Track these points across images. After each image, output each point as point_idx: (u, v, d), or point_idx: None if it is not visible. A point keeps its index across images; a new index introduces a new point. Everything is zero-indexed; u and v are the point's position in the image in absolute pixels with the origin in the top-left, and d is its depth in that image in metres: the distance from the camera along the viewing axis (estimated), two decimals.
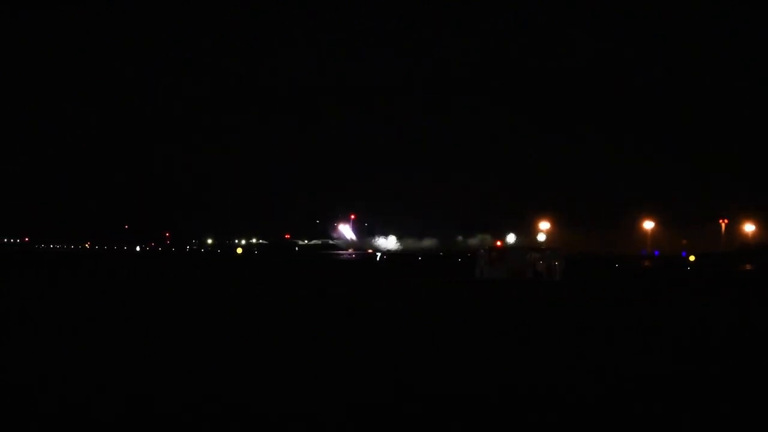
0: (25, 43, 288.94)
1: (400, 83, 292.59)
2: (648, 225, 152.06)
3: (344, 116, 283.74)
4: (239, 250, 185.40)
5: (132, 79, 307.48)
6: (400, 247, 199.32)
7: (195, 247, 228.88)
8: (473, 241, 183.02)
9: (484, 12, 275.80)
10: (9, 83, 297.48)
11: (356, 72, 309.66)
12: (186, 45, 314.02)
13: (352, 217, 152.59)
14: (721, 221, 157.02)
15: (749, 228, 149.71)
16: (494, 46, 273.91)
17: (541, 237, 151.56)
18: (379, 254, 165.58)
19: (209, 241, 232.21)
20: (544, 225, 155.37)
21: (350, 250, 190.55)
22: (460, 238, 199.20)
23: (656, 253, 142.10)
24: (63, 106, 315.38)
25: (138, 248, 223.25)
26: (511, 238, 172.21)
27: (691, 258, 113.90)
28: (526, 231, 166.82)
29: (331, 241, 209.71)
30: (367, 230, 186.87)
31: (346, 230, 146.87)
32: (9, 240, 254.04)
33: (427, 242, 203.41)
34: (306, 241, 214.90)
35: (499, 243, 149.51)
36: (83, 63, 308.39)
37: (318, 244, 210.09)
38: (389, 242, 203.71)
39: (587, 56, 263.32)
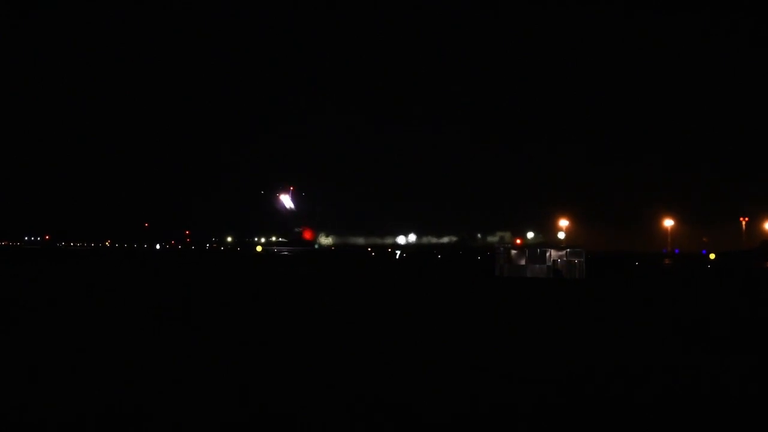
0: (39, 42, 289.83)
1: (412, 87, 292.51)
2: (668, 223, 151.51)
3: (361, 115, 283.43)
4: (259, 248, 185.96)
5: (149, 78, 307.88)
6: (420, 244, 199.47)
7: (215, 245, 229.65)
8: (492, 239, 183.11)
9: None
10: (27, 85, 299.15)
11: (365, 69, 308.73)
12: (193, 47, 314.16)
13: (291, 189, 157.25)
14: (741, 219, 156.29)
15: None
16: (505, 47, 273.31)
17: (561, 235, 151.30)
18: (398, 252, 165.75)
19: (229, 239, 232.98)
20: (564, 223, 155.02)
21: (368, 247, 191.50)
22: (479, 235, 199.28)
23: (676, 251, 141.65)
24: (82, 106, 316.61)
25: (158, 246, 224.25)
26: (530, 235, 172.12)
27: (711, 256, 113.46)
28: (546, 229, 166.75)
29: (350, 239, 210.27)
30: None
31: (286, 200, 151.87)
32: (31, 238, 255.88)
33: (447, 239, 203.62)
34: (326, 239, 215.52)
35: (518, 240, 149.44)
36: (100, 63, 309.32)
37: (337, 243, 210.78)
38: (409, 239, 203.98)
39: (601, 56, 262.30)
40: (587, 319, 26.57)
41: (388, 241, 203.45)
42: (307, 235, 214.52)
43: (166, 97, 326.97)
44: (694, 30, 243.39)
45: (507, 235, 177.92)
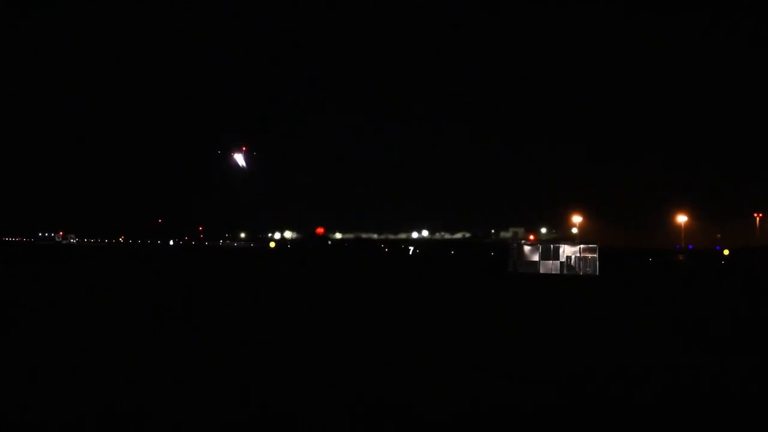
0: (39, 42, 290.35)
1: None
2: (681, 219, 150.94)
3: (361, 115, 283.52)
4: (272, 244, 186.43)
5: (149, 78, 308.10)
6: (433, 239, 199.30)
7: (228, 242, 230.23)
8: (506, 235, 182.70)
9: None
10: (44, 81, 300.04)
11: (365, 69, 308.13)
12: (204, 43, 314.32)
13: (244, 148, 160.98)
14: (755, 215, 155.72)
15: None
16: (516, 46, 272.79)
17: (575, 231, 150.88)
18: (411, 248, 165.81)
19: (242, 235, 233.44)
20: (577, 219, 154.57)
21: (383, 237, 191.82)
22: (492, 231, 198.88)
23: (690, 247, 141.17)
24: (96, 102, 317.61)
25: (171, 242, 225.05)
26: (544, 231, 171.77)
27: (725, 252, 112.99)
28: (560, 225, 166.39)
29: (363, 235, 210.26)
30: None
31: (239, 158, 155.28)
32: (45, 234, 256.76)
33: (460, 235, 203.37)
34: (340, 235, 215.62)
35: (532, 236, 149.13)
36: (100, 63, 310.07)
37: (350, 238, 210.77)
38: (423, 234, 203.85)
39: (601, 56, 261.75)
40: (593, 317, 26.44)
41: (402, 236, 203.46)
42: (320, 230, 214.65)
43: (166, 97, 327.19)
44: (694, 30, 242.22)
45: (520, 230, 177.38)
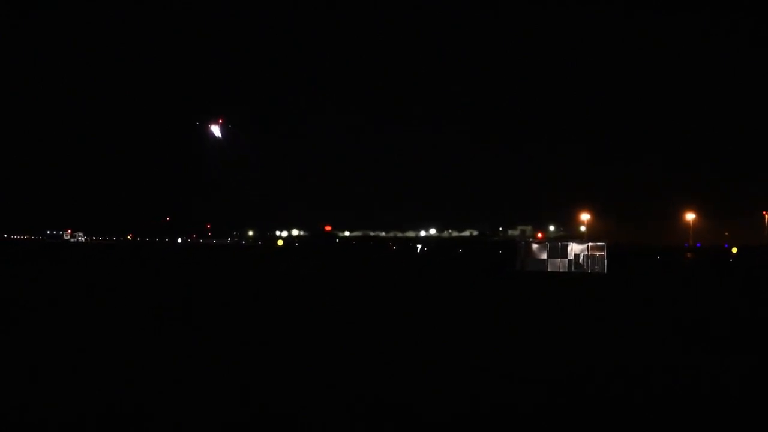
0: (39, 42, 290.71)
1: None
2: (690, 217, 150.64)
3: (361, 115, 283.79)
4: (280, 242, 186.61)
5: (149, 78, 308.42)
6: (441, 237, 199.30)
7: (236, 239, 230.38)
8: (514, 233, 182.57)
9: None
10: (51, 80, 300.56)
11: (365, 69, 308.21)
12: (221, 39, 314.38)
13: (221, 120, 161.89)
14: (764, 213, 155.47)
15: None
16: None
17: (583, 229, 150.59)
18: (419, 246, 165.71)
19: (250, 233, 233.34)
20: (585, 216, 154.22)
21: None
22: (500, 229, 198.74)
23: (698, 245, 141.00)
24: (103, 101, 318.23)
25: (179, 240, 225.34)
26: (552, 229, 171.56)
27: (734, 250, 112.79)
28: (568, 223, 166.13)
29: (371, 233, 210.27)
30: None
31: (216, 130, 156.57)
32: (53, 232, 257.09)
33: (468, 233, 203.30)
34: (348, 233, 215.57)
35: (540, 234, 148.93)
36: (100, 63, 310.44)
37: (359, 236, 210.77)
38: (431, 232, 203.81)
39: (601, 56, 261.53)
40: (596, 317, 26.35)
41: (410, 234, 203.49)
42: (328, 228, 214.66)
43: (169, 96, 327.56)
44: (694, 30, 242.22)
45: (528, 228, 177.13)
